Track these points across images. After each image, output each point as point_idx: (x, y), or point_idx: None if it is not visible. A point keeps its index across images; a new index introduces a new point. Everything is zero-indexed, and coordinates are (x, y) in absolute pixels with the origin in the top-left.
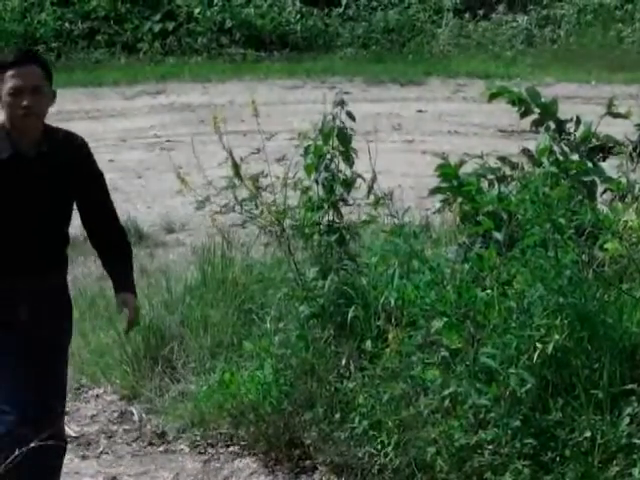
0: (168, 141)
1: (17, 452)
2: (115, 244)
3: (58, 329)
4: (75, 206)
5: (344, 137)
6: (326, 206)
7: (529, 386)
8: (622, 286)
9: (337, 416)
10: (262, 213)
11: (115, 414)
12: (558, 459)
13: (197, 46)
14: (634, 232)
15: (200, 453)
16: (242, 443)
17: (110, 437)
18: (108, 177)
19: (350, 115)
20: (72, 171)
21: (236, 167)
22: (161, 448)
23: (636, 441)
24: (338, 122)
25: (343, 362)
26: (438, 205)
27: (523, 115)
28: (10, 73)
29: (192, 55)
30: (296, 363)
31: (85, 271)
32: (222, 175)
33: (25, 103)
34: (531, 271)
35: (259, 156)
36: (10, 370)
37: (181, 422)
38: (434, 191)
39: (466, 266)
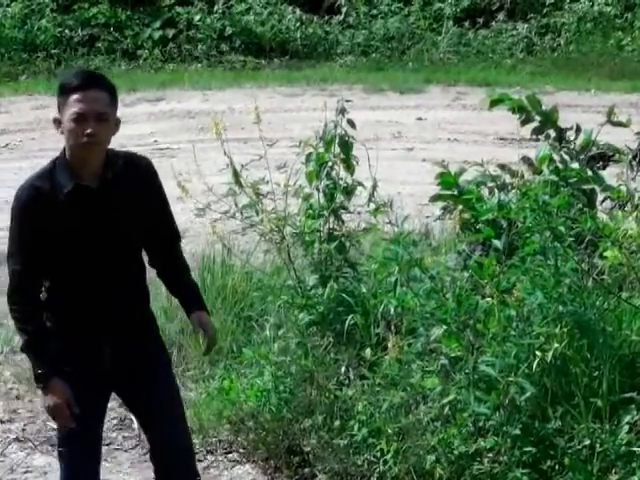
0: (168, 148)
1: None
2: (180, 265)
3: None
4: None
5: (345, 145)
6: (327, 214)
7: (528, 394)
8: (622, 294)
9: (336, 424)
10: (262, 220)
11: (114, 421)
12: (557, 467)
13: (197, 53)
14: (634, 240)
15: (199, 460)
16: (241, 450)
17: (109, 444)
18: None
19: (351, 123)
20: (139, 196)
21: (237, 174)
22: None
23: (635, 449)
24: (339, 130)
25: (343, 370)
26: (438, 213)
27: (524, 123)
28: (74, 97)
29: (192, 62)
30: (295, 370)
31: None
32: (222, 182)
33: (89, 131)
34: (531, 279)
35: (260, 163)
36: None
37: None
38: (434, 199)
39: (466, 274)
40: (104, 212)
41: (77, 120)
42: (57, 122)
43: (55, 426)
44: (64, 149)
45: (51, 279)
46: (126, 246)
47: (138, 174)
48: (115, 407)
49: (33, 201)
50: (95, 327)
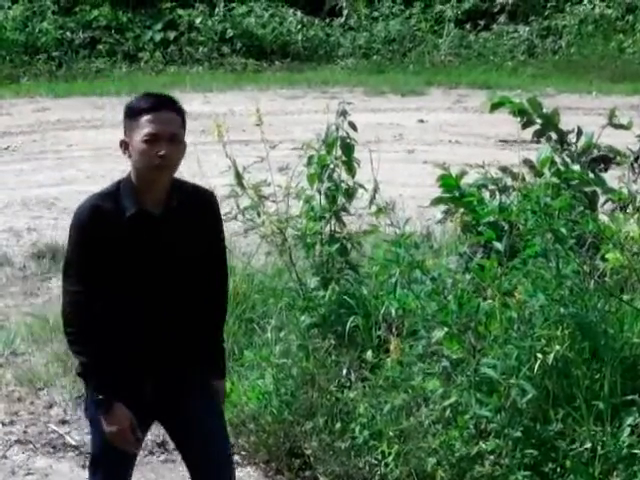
0: None
1: None
2: (216, 320)
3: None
4: None
5: (347, 147)
6: (328, 216)
7: (530, 397)
8: (623, 296)
9: (338, 426)
10: (264, 222)
11: None
12: (559, 470)
13: (198, 56)
14: (635, 242)
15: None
16: (243, 453)
17: None
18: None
19: (352, 125)
20: (200, 228)
21: (239, 176)
22: (161, 457)
23: (637, 452)
24: (341, 132)
25: (344, 372)
26: (439, 216)
27: (525, 125)
28: (146, 118)
29: (193, 65)
30: (297, 373)
31: None
32: (224, 184)
33: (162, 152)
34: (532, 281)
35: (261, 165)
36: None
37: None
38: (435, 202)
39: (467, 276)
40: (164, 240)
41: (150, 141)
42: (124, 145)
43: (55, 428)
44: (129, 173)
45: (104, 303)
46: (182, 277)
47: (201, 206)
48: None
49: (93, 221)
50: (140, 359)
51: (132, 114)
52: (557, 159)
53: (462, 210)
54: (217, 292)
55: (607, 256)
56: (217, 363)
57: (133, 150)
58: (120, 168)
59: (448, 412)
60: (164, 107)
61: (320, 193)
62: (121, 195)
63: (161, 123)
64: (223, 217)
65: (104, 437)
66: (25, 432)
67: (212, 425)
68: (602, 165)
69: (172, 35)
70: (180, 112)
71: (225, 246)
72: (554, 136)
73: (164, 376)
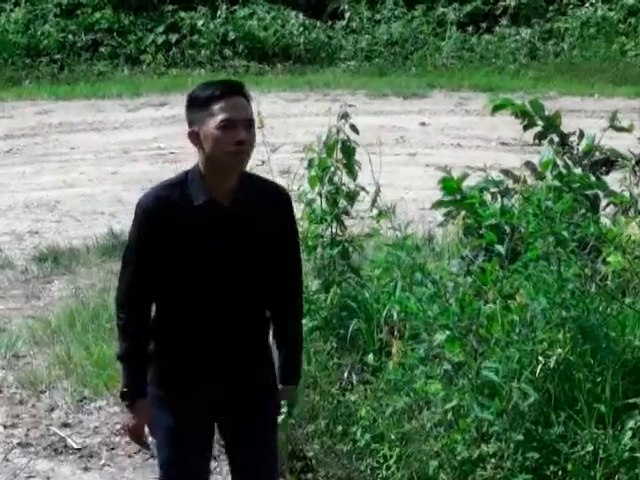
0: (171, 153)
1: None
2: (291, 319)
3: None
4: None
5: (348, 150)
6: (329, 219)
7: (532, 400)
8: (625, 300)
9: (339, 429)
10: None
11: (117, 426)
12: (560, 473)
13: (200, 58)
14: (637, 246)
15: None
16: None
17: (112, 449)
18: (111, 189)
19: (354, 128)
20: (270, 223)
21: None
22: None
23: (639, 455)
24: (342, 135)
25: (345, 375)
26: (441, 218)
27: (526, 128)
28: (220, 105)
29: (195, 67)
30: None
31: (88, 282)
32: None
33: (240, 137)
34: (534, 284)
35: (263, 168)
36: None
37: None
38: (436, 205)
39: (469, 279)
40: (232, 233)
41: (226, 127)
42: (194, 135)
43: (57, 430)
44: (196, 163)
45: (163, 300)
46: (248, 274)
47: (272, 201)
48: (118, 412)
49: (157, 210)
50: (204, 356)
51: (201, 103)
52: (559, 162)
53: (464, 213)
54: (292, 295)
55: (609, 259)
56: (292, 367)
57: (206, 139)
58: (121, 170)
59: (450, 415)
60: (236, 93)
61: (321, 196)
62: (189, 185)
63: (236, 108)
64: None
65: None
66: (27, 435)
67: (261, 459)
68: (604, 168)
69: (174, 38)
70: (249, 98)
71: (299, 246)
72: (556, 138)
73: (228, 377)
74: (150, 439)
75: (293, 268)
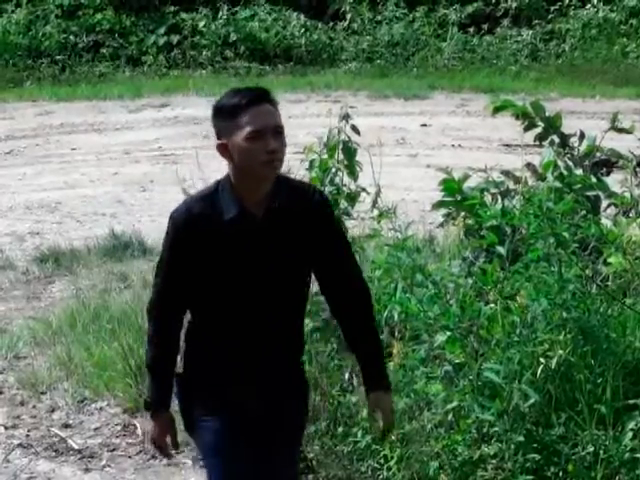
0: (172, 154)
1: None
2: (360, 316)
3: (292, 414)
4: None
5: (349, 151)
6: None
7: (532, 401)
8: (626, 301)
9: (340, 430)
10: None
11: (118, 427)
12: (561, 474)
13: (201, 59)
14: (638, 247)
15: (202, 467)
16: None
17: (113, 450)
18: (112, 190)
19: (355, 129)
20: (308, 232)
21: None
22: (164, 461)
23: (639, 456)
24: (343, 136)
25: (346, 376)
26: (441, 219)
27: (527, 128)
28: (247, 115)
29: (196, 68)
30: None
31: (89, 283)
32: None
33: (271, 147)
34: (535, 285)
35: None
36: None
37: (184, 436)
38: (436, 206)
39: (469, 280)
40: (267, 244)
41: (255, 138)
42: (223, 147)
43: (57, 431)
44: (227, 174)
45: (197, 310)
46: (286, 285)
47: (308, 206)
48: (119, 413)
49: (189, 225)
50: (243, 370)
51: (227, 113)
52: (560, 163)
53: (463, 214)
54: (359, 295)
55: (609, 260)
56: (376, 368)
57: (235, 151)
58: (123, 171)
59: (450, 416)
60: (261, 100)
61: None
62: (219, 197)
63: (263, 117)
64: None
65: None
66: (27, 436)
67: (283, 461)
68: (604, 169)
69: (175, 39)
70: (276, 104)
71: (346, 244)
72: (557, 140)
73: (266, 390)
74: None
75: (347, 262)
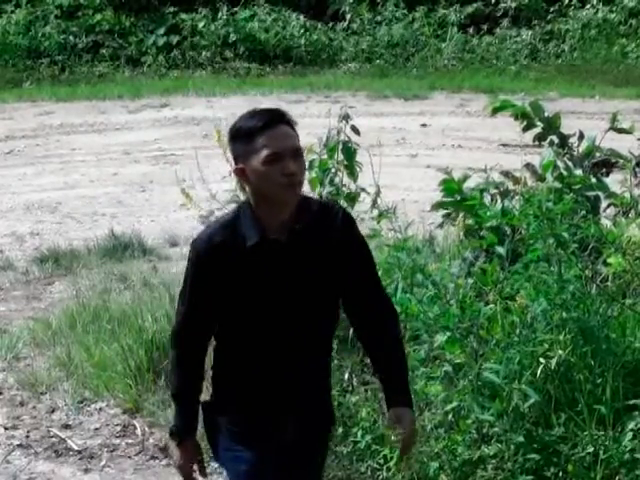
0: (172, 155)
1: None
2: (386, 335)
3: (320, 442)
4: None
5: (348, 151)
6: None
7: (532, 401)
8: (625, 301)
9: (340, 430)
10: None
11: (118, 427)
12: (561, 474)
13: (201, 60)
14: (637, 247)
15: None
16: None
17: (113, 450)
18: (112, 191)
19: (355, 129)
20: (334, 253)
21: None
22: (164, 462)
23: (639, 456)
24: (343, 136)
25: (346, 376)
26: (441, 219)
27: (526, 128)
28: (263, 138)
29: (196, 69)
30: None
31: (88, 284)
32: (226, 189)
33: (290, 169)
34: (534, 286)
35: None
36: None
37: None
38: (436, 207)
39: (469, 281)
40: (292, 269)
41: (273, 161)
42: (240, 172)
43: (57, 432)
44: (247, 199)
45: (224, 337)
46: (314, 309)
47: (333, 226)
48: (118, 414)
49: (211, 253)
50: (272, 394)
51: (243, 136)
52: (559, 163)
53: (462, 214)
54: (387, 316)
55: (609, 261)
56: (400, 385)
57: (253, 175)
58: (122, 171)
59: (450, 416)
60: (278, 122)
61: (322, 197)
62: (241, 222)
63: (280, 139)
64: None
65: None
66: (27, 436)
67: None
68: (604, 169)
69: (175, 39)
70: (293, 124)
71: (373, 265)
72: (556, 140)
73: (296, 417)
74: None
75: (374, 283)
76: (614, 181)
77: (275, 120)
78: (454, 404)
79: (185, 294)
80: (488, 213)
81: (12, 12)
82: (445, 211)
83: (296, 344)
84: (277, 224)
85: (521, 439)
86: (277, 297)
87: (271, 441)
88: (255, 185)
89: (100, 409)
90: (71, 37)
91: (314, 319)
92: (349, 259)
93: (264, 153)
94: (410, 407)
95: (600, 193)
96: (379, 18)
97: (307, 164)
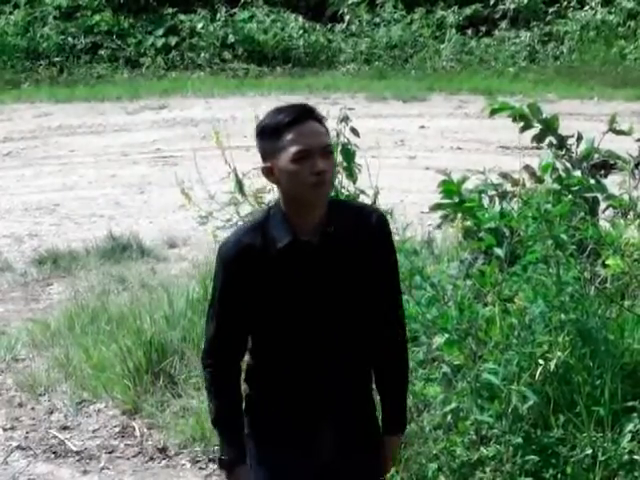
0: (171, 156)
1: None
2: (394, 358)
3: (365, 464)
4: None
5: (347, 153)
6: None
7: (531, 403)
8: (624, 303)
9: None
10: None
11: (116, 429)
12: (559, 476)
13: (200, 61)
14: (636, 249)
15: (201, 468)
16: None
17: (111, 452)
18: (110, 192)
19: (354, 131)
20: (366, 256)
21: (240, 183)
22: (162, 463)
23: (638, 458)
24: (342, 138)
25: None
26: (439, 221)
27: (523, 129)
28: (292, 135)
29: (195, 70)
30: None
31: (87, 285)
32: (224, 190)
33: (319, 167)
34: (533, 288)
35: None
36: None
37: (182, 437)
38: (434, 208)
39: (468, 282)
40: (325, 272)
41: (301, 159)
42: (268, 170)
43: (56, 433)
44: (277, 199)
45: (257, 347)
46: (347, 312)
47: (366, 229)
48: (117, 415)
49: (241, 258)
50: (310, 405)
51: (270, 133)
52: (558, 165)
53: (461, 215)
54: (395, 330)
55: (608, 262)
56: (396, 415)
57: (281, 174)
58: (121, 173)
59: (449, 418)
60: (307, 117)
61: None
62: (270, 225)
63: (309, 136)
64: (223, 223)
65: None
66: (26, 438)
67: None
68: (603, 171)
69: (174, 40)
70: (322, 120)
71: (399, 277)
72: (554, 141)
73: (341, 428)
74: None
75: (393, 301)
76: (613, 183)
77: (304, 116)
78: (453, 405)
79: (215, 306)
80: (486, 215)
81: (10, 13)
82: (443, 212)
83: (330, 349)
84: (308, 225)
85: (520, 441)
86: (311, 301)
87: (309, 454)
88: (283, 184)
89: (99, 410)
90: (70, 38)
91: (349, 323)
92: (378, 264)
93: (292, 150)
94: (401, 432)
95: (599, 195)
96: (378, 20)
97: None
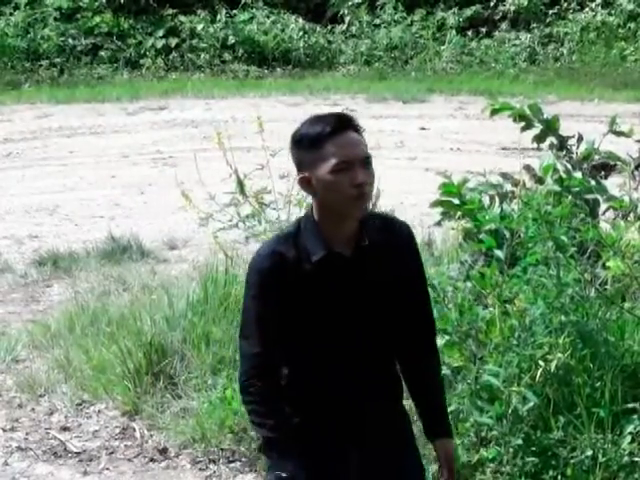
0: (171, 157)
1: None
2: (429, 365)
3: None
4: None
5: None
6: None
7: (531, 404)
8: (624, 304)
9: None
10: (265, 230)
11: (117, 430)
12: (560, 478)
13: (200, 62)
14: (636, 250)
15: (201, 469)
16: (244, 459)
17: (112, 453)
18: (110, 193)
19: None
20: (398, 269)
21: (240, 184)
22: (163, 464)
23: (638, 460)
24: None
25: None
26: (438, 218)
27: (524, 129)
28: (332, 145)
29: (195, 71)
30: None
31: (87, 286)
32: (225, 191)
33: (359, 179)
34: (533, 289)
35: (262, 172)
36: None
37: (183, 438)
38: (434, 204)
39: (468, 284)
40: (358, 284)
41: (342, 170)
42: (305, 181)
43: (56, 434)
44: (310, 210)
45: (290, 365)
46: (380, 326)
47: (397, 242)
48: (117, 416)
49: (276, 269)
50: (340, 424)
51: (309, 143)
52: (559, 166)
53: (459, 213)
54: (427, 341)
55: (608, 264)
56: (441, 416)
57: (320, 185)
58: (121, 174)
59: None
60: (346, 127)
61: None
62: (303, 237)
63: (349, 147)
64: (223, 225)
65: None
66: (26, 439)
67: None
68: (603, 172)
69: (174, 42)
70: (361, 130)
71: (427, 287)
72: (555, 142)
73: (369, 449)
74: None
75: (426, 311)
76: (613, 184)
77: (343, 126)
78: (453, 407)
79: (251, 325)
80: (487, 216)
81: (11, 14)
82: (443, 210)
83: (367, 361)
84: (342, 237)
85: (520, 442)
86: (344, 313)
87: (342, 467)
88: (321, 196)
89: (99, 411)
90: (70, 39)
91: (381, 333)
92: (409, 276)
93: (333, 162)
94: (451, 437)
95: (599, 196)
96: (378, 21)
97: None
